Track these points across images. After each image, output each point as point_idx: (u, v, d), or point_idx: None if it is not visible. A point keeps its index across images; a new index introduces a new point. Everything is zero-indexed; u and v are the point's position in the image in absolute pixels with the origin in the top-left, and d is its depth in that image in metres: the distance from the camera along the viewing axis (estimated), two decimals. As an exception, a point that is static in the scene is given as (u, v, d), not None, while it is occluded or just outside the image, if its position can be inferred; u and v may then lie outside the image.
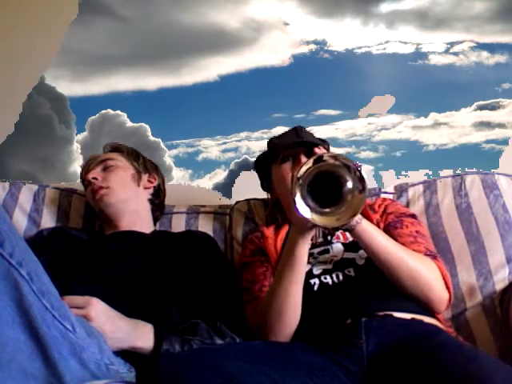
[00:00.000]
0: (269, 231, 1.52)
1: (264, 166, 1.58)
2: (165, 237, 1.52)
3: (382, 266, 1.22)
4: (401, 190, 1.71)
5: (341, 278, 1.28)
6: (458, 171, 1.73)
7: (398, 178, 1.79)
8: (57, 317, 0.87)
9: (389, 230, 1.38)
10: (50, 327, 0.85)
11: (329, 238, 1.40)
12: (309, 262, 1.32)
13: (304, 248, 1.18)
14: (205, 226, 1.74)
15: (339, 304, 1.21)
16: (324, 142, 1.54)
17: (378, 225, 1.38)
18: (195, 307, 1.31)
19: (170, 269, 1.39)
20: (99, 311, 1.08)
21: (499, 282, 1.50)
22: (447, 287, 1.25)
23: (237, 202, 1.77)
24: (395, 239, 1.29)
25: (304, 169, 1.07)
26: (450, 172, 1.75)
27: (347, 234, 1.39)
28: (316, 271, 1.32)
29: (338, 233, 1.41)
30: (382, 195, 1.70)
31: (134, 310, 1.21)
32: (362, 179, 1.07)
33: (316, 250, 1.38)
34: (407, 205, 1.67)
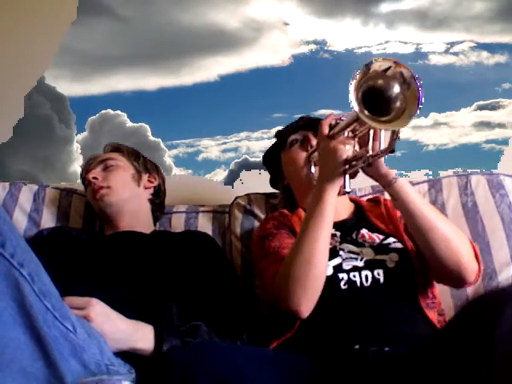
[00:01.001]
0: (288, 212, 1.48)
1: (273, 157, 1.57)
2: (165, 237, 1.52)
3: (417, 227, 1.22)
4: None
5: (369, 280, 1.25)
6: (459, 171, 1.73)
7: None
8: (57, 317, 0.87)
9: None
10: (50, 328, 0.85)
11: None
12: (339, 255, 1.29)
13: (333, 196, 1.19)
14: (204, 225, 1.73)
15: (354, 320, 1.18)
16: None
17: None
18: (195, 308, 1.31)
19: (170, 269, 1.38)
20: (99, 312, 1.08)
21: (504, 281, 1.50)
22: (477, 259, 1.25)
23: (237, 198, 1.76)
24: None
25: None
26: (450, 173, 1.75)
27: (374, 236, 1.35)
28: (346, 266, 1.27)
29: (366, 234, 1.36)
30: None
31: (134, 311, 1.20)
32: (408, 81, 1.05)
33: (346, 247, 1.33)
34: None
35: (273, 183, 1.66)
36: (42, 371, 0.85)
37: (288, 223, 1.41)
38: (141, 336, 1.13)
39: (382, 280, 1.25)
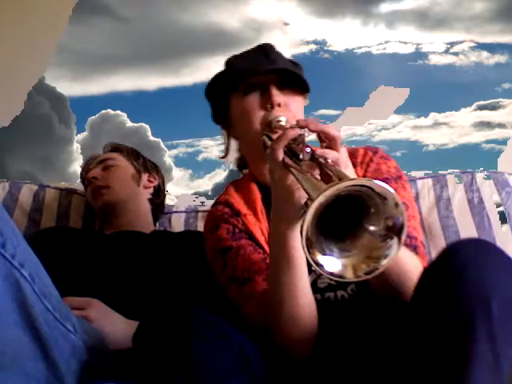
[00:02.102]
0: (239, 203, 1.21)
1: (219, 93, 1.26)
2: (164, 237, 1.52)
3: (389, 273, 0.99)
4: (409, 181, 1.71)
5: (346, 297, 1.10)
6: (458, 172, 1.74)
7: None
8: (58, 318, 0.87)
9: None
10: (51, 328, 0.85)
11: None
12: (313, 271, 1.09)
13: (295, 238, 0.94)
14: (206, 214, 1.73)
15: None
16: (297, 67, 1.25)
17: None
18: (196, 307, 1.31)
19: (170, 269, 1.38)
20: (99, 312, 1.08)
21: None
22: None
23: None
24: None
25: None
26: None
27: None
28: (320, 284, 1.12)
29: None
30: None
31: (134, 311, 1.20)
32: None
33: None
34: (416, 197, 1.67)
35: (216, 120, 1.32)
36: (43, 372, 0.85)
37: (242, 226, 1.17)
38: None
39: (349, 296, 1.10)
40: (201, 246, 1.48)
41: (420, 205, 1.66)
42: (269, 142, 1.09)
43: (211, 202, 1.90)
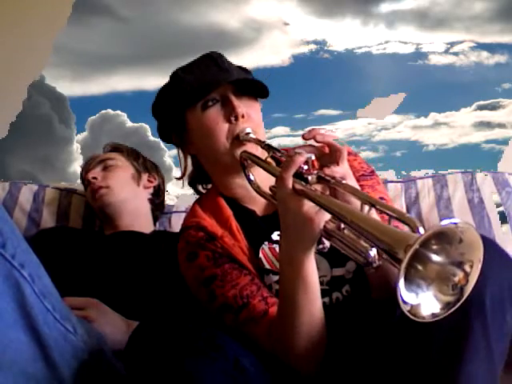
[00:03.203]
0: (212, 225, 1.14)
1: (172, 110, 1.18)
2: (164, 237, 1.52)
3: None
4: (409, 181, 1.72)
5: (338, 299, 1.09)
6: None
7: (399, 178, 1.79)
8: (58, 318, 0.87)
9: None
10: (51, 329, 0.85)
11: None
12: None
13: (312, 265, 0.92)
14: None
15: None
16: (249, 73, 1.22)
17: None
18: (195, 308, 1.31)
19: (170, 269, 1.38)
20: (99, 313, 1.08)
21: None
22: None
23: None
24: None
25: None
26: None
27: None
28: None
29: None
30: (389, 184, 1.68)
31: (134, 311, 1.21)
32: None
33: None
34: (416, 197, 1.67)
35: (167, 139, 1.26)
36: (43, 372, 0.85)
37: (221, 249, 1.10)
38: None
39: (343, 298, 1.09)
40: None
41: (420, 205, 1.66)
42: (248, 162, 1.08)
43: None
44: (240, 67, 1.21)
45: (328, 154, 0.91)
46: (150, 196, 1.64)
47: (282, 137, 5.16)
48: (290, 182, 0.88)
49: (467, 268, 0.70)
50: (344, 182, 0.87)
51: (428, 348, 0.82)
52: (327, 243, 0.91)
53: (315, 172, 0.89)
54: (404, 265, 0.65)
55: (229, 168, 1.14)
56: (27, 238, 1.51)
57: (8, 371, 0.81)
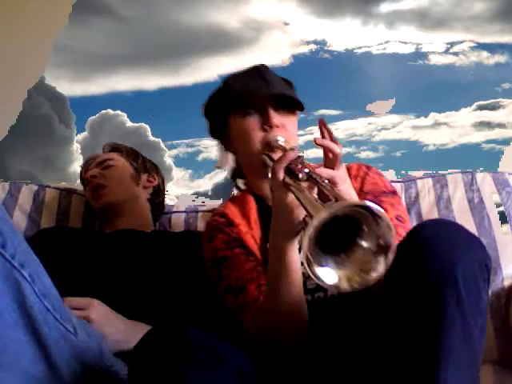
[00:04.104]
0: (234, 214, 1.27)
1: (218, 112, 1.32)
2: (164, 237, 1.52)
3: None
4: (409, 181, 1.72)
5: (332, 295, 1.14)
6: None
7: (399, 178, 1.79)
8: (58, 318, 0.87)
9: None
10: (51, 329, 0.85)
11: None
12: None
13: (294, 251, 1.01)
14: (204, 225, 1.73)
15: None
16: (290, 86, 1.33)
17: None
18: (194, 307, 1.31)
19: (170, 269, 1.39)
20: (99, 313, 1.08)
21: (508, 278, 1.51)
22: None
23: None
24: None
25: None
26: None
27: None
28: (309, 285, 1.15)
29: None
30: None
31: (134, 311, 1.21)
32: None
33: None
34: (416, 197, 1.67)
35: (213, 135, 1.39)
36: (43, 372, 0.85)
37: (236, 235, 1.22)
38: (141, 336, 1.13)
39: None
40: (200, 246, 1.48)
41: (420, 205, 1.66)
42: (269, 162, 1.17)
43: (211, 202, 1.91)
44: (284, 79, 1.33)
45: (329, 157, 0.99)
46: (150, 196, 1.64)
47: (282, 137, 5.15)
48: (280, 174, 0.98)
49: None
50: (326, 183, 0.94)
51: (405, 322, 0.88)
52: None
53: (306, 170, 0.97)
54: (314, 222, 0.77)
55: (256, 169, 1.26)
56: (27, 238, 1.52)
57: (8, 371, 0.81)
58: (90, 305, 1.08)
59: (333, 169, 0.98)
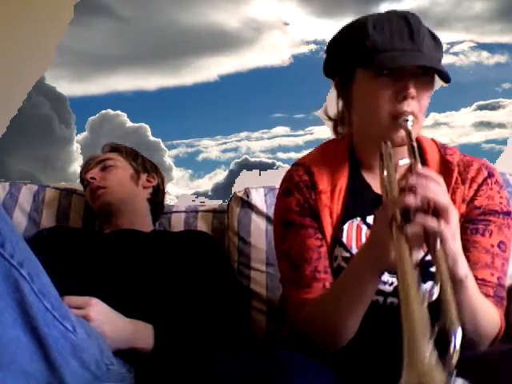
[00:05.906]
0: (320, 175, 1.14)
1: (345, 59, 1.12)
2: (164, 236, 1.53)
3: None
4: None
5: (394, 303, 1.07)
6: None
7: (398, 178, 1.79)
8: (57, 317, 0.87)
9: (465, 228, 1.06)
10: (50, 328, 0.85)
11: None
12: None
13: (375, 283, 0.96)
14: (204, 225, 1.73)
15: (372, 340, 1.04)
16: (438, 46, 1.10)
17: (458, 205, 1.08)
18: (196, 308, 1.31)
19: (170, 269, 1.39)
20: (99, 312, 1.08)
21: (510, 277, 1.51)
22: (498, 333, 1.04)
23: (235, 193, 1.73)
24: (466, 247, 1.00)
25: None
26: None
27: None
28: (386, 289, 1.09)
29: None
30: None
31: (134, 310, 1.21)
32: None
33: None
34: None
35: (326, 70, 1.20)
36: (42, 372, 0.85)
37: (313, 201, 1.11)
38: (140, 335, 1.13)
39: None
40: (201, 246, 1.48)
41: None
42: (385, 150, 1.04)
43: (211, 202, 1.92)
44: (433, 36, 1.09)
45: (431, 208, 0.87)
46: (149, 196, 1.64)
47: (282, 137, 5.16)
48: (391, 211, 0.87)
49: None
50: (438, 246, 0.84)
51: None
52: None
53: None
54: None
55: (372, 139, 1.11)
56: (27, 238, 1.53)
57: (7, 370, 0.81)
58: (89, 304, 1.08)
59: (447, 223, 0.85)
